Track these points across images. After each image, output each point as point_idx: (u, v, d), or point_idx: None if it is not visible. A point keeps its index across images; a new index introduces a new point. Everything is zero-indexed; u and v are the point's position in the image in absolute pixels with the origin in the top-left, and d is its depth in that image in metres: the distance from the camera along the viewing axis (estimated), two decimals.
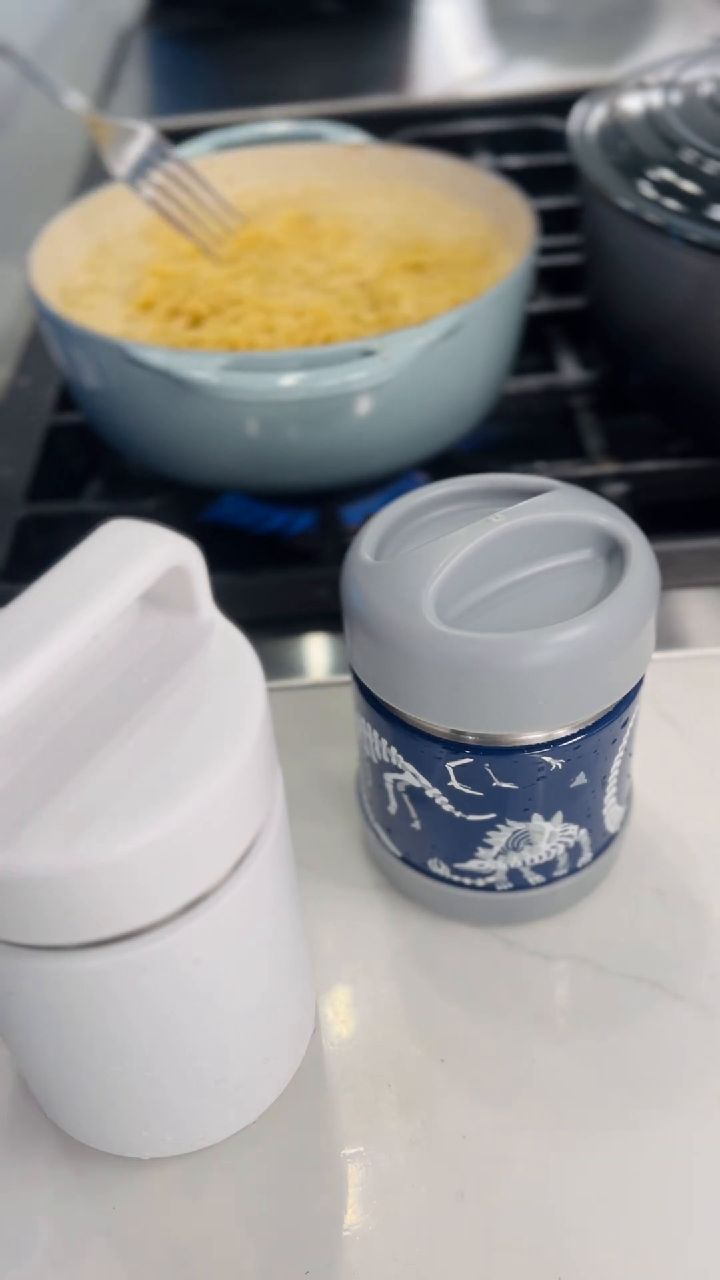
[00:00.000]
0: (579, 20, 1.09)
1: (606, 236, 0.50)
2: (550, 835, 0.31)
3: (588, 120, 0.53)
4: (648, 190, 0.46)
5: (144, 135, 0.54)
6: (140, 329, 0.50)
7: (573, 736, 0.29)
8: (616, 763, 0.31)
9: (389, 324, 0.48)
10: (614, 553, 0.29)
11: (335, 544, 0.49)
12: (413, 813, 0.32)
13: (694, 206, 0.45)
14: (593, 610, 0.27)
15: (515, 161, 0.77)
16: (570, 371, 0.59)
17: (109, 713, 0.23)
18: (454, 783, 0.30)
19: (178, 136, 0.61)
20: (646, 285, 0.49)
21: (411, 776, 0.31)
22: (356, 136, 0.63)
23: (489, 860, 0.32)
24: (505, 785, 0.29)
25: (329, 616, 0.46)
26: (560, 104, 0.62)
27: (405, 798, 0.32)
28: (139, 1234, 0.28)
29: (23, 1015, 0.25)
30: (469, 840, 0.31)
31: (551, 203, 0.63)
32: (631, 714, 0.31)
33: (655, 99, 0.52)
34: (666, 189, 0.46)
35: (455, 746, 0.29)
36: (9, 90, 1.00)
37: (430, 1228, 0.28)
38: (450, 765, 0.29)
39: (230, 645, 0.25)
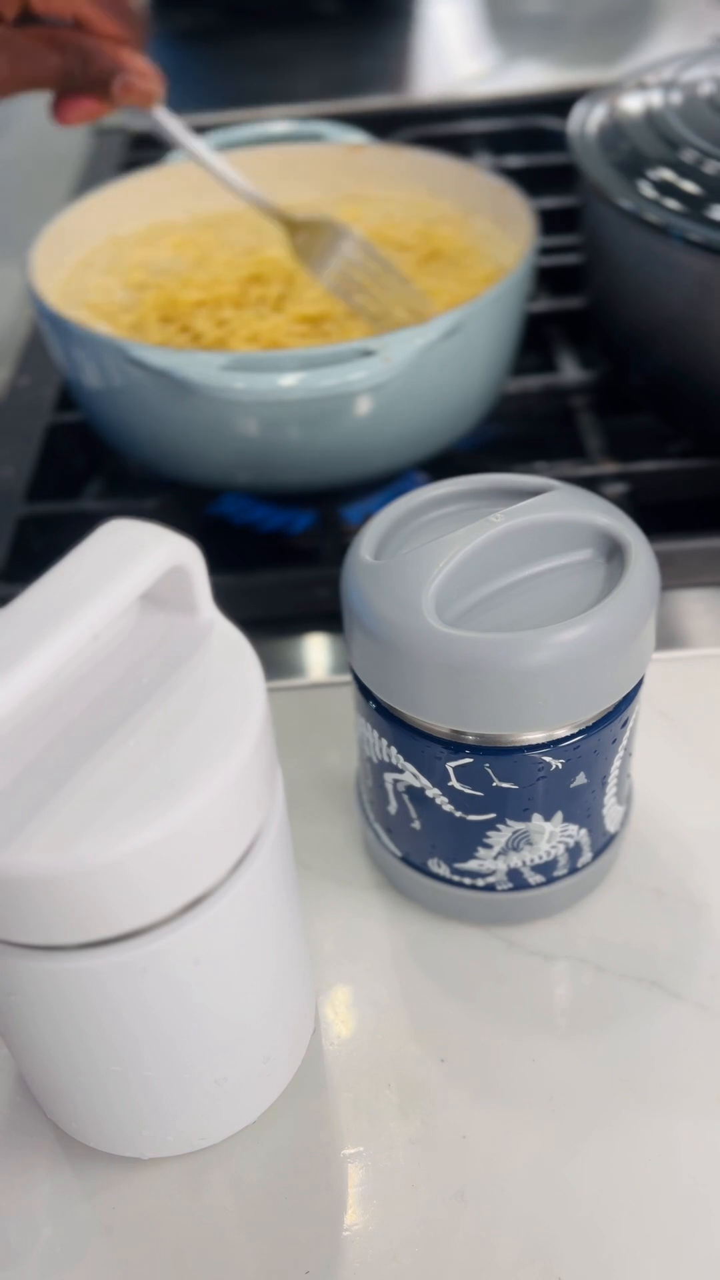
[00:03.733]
0: (579, 20, 1.09)
1: (606, 236, 0.50)
2: (550, 835, 0.31)
3: (588, 120, 0.53)
4: (648, 190, 0.46)
5: (341, 232, 0.50)
6: (140, 328, 0.50)
7: (573, 736, 0.29)
8: (616, 763, 0.31)
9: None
10: (614, 553, 0.29)
11: (335, 544, 0.49)
12: (413, 813, 0.32)
13: (694, 206, 0.45)
14: (593, 610, 0.27)
15: (515, 161, 0.77)
16: (570, 371, 0.59)
17: (109, 713, 0.23)
18: (454, 783, 0.30)
19: None
20: (646, 285, 0.49)
21: (411, 776, 0.31)
22: (356, 136, 0.63)
23: (489, 860, 0.32)
24: (505, 785, 0.29)
25: (329, 616, 0.46)
26: (560, 104, 0.62)
27: (405, 798, 0.32)
28: (139, 1234, 0.28)
29: (23, 1015, 0.25)
30: (469, 840, 0.31)
31: (551, 203, 0.63)
32: (631, 714, 0.31)
33: (655, 99, 0.52)
34: (666, 189, 0.46)
35: (455, 746, 0.29)
36: None
37: (430, 1228, 0.28)
38: (450, 765, 0.29)
39: (230, 645, 0.25)
